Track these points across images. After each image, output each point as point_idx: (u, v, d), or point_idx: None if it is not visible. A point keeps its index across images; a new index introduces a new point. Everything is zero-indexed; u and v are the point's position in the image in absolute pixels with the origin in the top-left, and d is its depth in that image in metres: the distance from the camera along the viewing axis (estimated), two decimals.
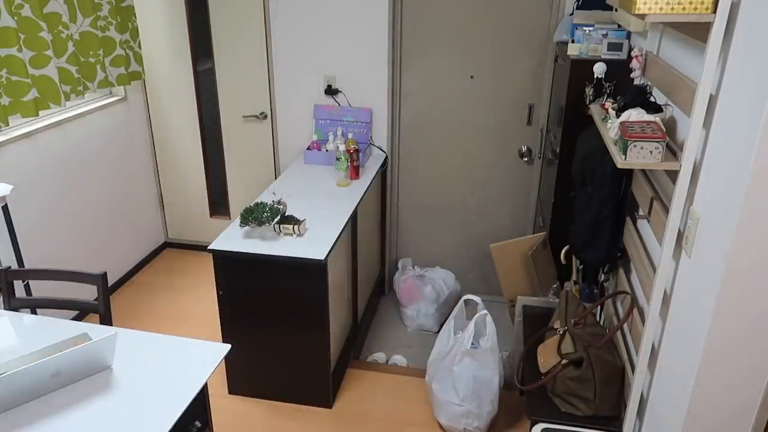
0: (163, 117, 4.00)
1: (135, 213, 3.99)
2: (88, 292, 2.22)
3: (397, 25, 3.42)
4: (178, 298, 3.75)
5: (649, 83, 2.10)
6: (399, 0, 3.36)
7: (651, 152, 1.63)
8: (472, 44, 3.36)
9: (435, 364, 2.63)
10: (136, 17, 3.55)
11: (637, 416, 1.92)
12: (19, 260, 2.79)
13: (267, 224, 2.61)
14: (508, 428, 2.70)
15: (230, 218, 4.16)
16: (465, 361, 2.53)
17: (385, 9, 3.34)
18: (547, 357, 2.19)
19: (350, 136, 3.52)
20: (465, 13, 3.31)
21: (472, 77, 3.44)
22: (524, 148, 3.51)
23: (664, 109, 1.86)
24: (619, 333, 2.24)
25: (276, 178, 3.74)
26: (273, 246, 2.55)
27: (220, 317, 2.71)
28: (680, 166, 1.58)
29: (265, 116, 3.80)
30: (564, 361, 2.07)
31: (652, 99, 1.95)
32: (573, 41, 2.68)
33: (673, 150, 1.73)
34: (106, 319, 2.17)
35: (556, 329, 2.23)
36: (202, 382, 1.71)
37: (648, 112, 1.79)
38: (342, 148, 3.23)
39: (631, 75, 2.29)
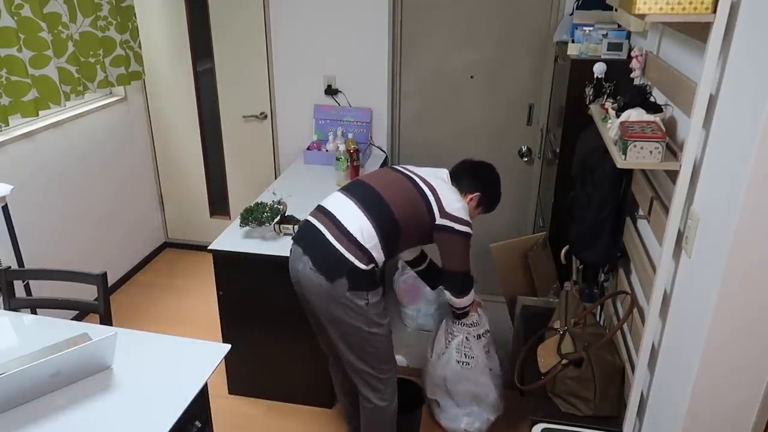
0: (163, 117, 4.00)
1: (135, 213, 3.99)
2: (88, 292, 2.22)
3: (397, 25, 3.42)
4: (178, 298, 3.75)
5: (649, 83, 2.10)
6: (399, 0, 3.36)
7: (651, 152, 1.63)
8: (472, 44, 3.36)
9: (434, 364, 2.63)
10: (136, 17, 3.55)
11: (637, 416, 1.92)
12: (19, 260, 2.79)
13: (267, 224, 2.61)
14: (508, 428, 2.69)
15: (230, 218, 4.16)
16: (465, 361, 2.52)
17: (385, 9, 3.34)
18: (547, 357, 2.19)
19: (350, 136, 3.52)
20: (465, 13, 3.31)
21: (472, 77, 3.43)
22: (524, 148, 3.51)
23: (664, 109, 1.85)
24: (619, 333, 2.24)
25: (276, 178, 3.74)
26: (273, 246, 2.55)
27: (220, 317, 2.71)
28: (680, 166, 1.58)
29: (265, 116, 3.80)
30: (564, 361, 2.07)
31: (652, 99, 1.95)
32: (573, 41, 2.68)
33: (673, 150, 1.73)
34: (106, 319, 2.17)
35: (556, 329, 2.23)
36: (202, 382, 1.71)
37: (648, 112, 1.79)
38: (342, 148, 3.23)
39: (631, 75, 2.29)
